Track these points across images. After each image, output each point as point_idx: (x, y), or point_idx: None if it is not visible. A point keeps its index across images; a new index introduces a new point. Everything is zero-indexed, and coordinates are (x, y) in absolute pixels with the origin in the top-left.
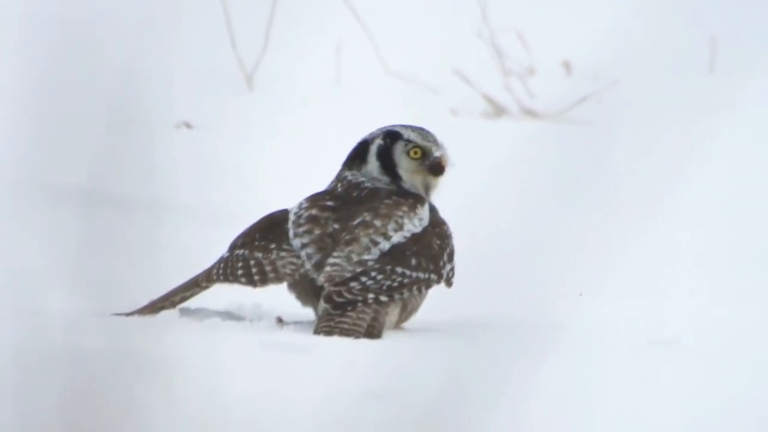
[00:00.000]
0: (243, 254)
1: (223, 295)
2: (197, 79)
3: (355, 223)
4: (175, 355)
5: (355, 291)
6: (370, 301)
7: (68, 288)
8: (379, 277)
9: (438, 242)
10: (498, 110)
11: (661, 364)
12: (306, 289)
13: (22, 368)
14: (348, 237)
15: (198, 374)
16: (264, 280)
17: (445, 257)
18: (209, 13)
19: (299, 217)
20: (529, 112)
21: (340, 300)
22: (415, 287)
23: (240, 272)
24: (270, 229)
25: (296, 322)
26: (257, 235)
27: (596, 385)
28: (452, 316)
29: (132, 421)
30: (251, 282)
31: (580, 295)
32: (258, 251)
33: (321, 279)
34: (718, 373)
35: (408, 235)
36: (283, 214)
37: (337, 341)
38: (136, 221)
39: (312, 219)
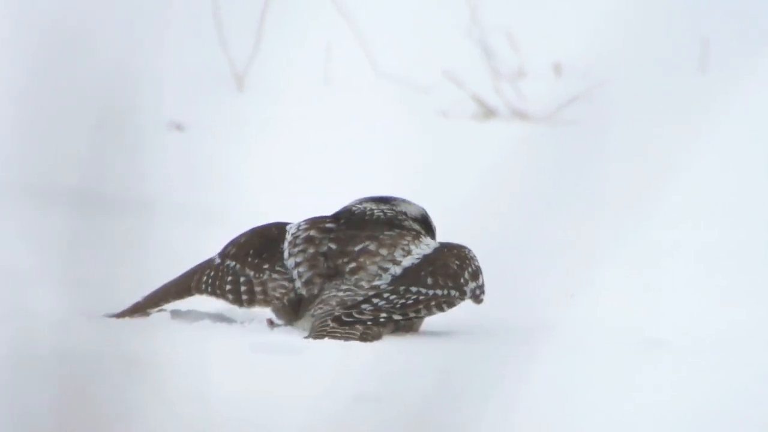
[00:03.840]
0: (234, 268)
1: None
2: (188, 80)
3: (357, 249)
4: (166, 356)
5: (366, 312)
6: (382, 320)
7: (58, 289)
8: (392, 297)
9: (457, 262)
10: (488, 112)
11: (652, 365)
12: (292, 308)
13: (11, 369)
14: (353, 265)
15: (188, 376)
16: (251, 301)
17: (467, 275)
18: (200, 14)
19: (296, 237)
20: (519, 114)
21: (349, 320)
22: (433, 304)
23: (228, 287)
24: (265, 247)
25: (287, 324)
26: (251, 251)
27: (588, 386)
28: (443, 318)
29: (122, 423)
30: (238, 301)
31: (571, 296)
32: (250, 269)
33: (332, 303)
34: (708, 373)
35: (419, 257)
36: (279, 231)
37: (328, 343)
38: (126, 222)
39: (308, 239)
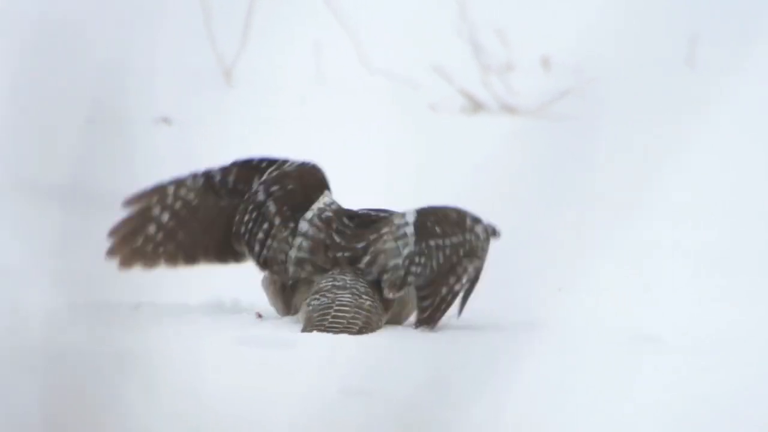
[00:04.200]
0: (272, 214)
1: (202, 290)
2: (176, 74)
3: (360, 246)
4: (155, 350)
5: (443, 298)
6: (458, 289)
7: (48, 285)
8: (422, 259)
9: (455, 213)
10: (476, 106)
11: (651, 364)
12: (283, 295)
13: (1, 365)
14: (368, 258)
15: (178, 369)
16: (265, 262)
17: (469, 221)
18: (188, 8)
19: (323, 211)
20: (508, 108)
21: (427, 304)
22: (469, 250)
23: (260, 236)
24: (304, 197)
25: (276, 317)
26: (294, 194)
27: (585, 385)
28: None
29: (112, 417)
30: (256, 258)
31: (559, 290)
32: (280, 217)
33: (385, 291)
34: (708, 373)
35: (413, 213)
36: (322, 185)
37: (319, 336)
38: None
39: (328, 222)
